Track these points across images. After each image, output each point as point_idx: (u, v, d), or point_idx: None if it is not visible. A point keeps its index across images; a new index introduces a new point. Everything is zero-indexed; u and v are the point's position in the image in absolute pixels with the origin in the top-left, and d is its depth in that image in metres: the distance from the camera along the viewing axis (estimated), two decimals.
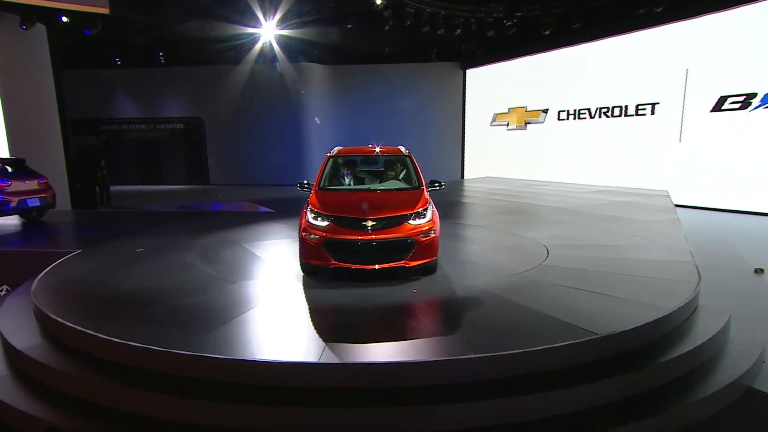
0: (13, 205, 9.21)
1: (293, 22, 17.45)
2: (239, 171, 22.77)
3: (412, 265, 5.26)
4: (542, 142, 18.30)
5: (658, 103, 14.52)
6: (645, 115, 14.89)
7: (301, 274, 5.69)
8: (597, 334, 3.89)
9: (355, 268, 5.21)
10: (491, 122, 20.45)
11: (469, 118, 21.71)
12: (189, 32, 16.94)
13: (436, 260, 5.47)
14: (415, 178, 6.14)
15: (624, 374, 3.76)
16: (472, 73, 21.37)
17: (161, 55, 21.64)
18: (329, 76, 22.57)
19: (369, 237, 5.12)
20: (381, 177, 6.56)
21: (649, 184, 14.58)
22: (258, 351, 3.75)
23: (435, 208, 5.67)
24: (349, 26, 18.13)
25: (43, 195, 9.90)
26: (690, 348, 4.19)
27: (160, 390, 3.55)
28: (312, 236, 5.28)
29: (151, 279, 5.68)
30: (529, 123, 18.82)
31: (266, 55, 19.90)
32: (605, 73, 15.92)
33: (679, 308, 4.54)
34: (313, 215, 5.41)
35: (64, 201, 13.85)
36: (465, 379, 3.57)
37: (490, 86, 20.44)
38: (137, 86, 22.72)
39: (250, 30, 17.60)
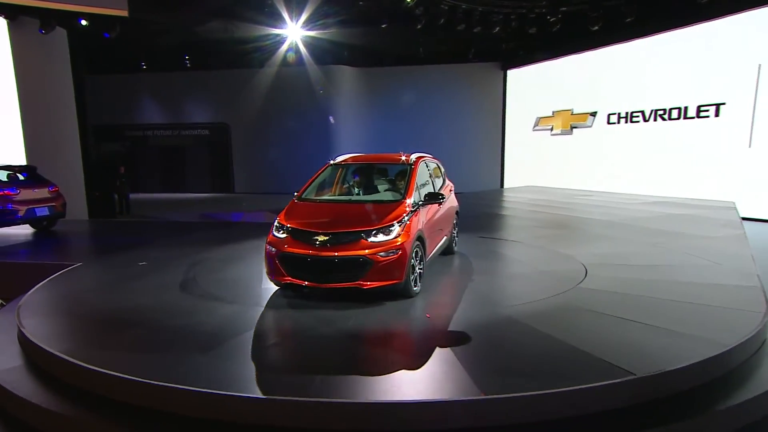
0: (21, 214, 9.39)
1: (321, 22, 17.47)
2: (265, 179, 22.95)
3: (367, 286, 4.93)
4: (590, 148, 17.67)
5: (723, 104, 13.69)
6: (708, 117, 14.06)
7: (299, 293, 5.45)
8: (634, 375, 3.44)
9: (312, 286, 5.07)
10: (534, 127, 19.95)
11: (510, 123, 21.27)
12: (213, 34, 17.20)
13: (402, 283, 5.06)
14: (404, 190, 5.73)
15: (670, 424, 3.33)
16: (513, 74, 20.94)
17: (187, 59, 22.12)
18: (360, 79, 22.55)
19: (319, 253, 4.95)
20: (385, 187, 6.28)
21: (712, 195, 13.72)
22: (235, 384, 3.49)
23: (414, 224, 5.30)
24: (384, 26, 18.02)
25: (53, 204, 10.07)
26: (755, 394, 3.70)
27: (134, 426, 3.37)
28: (272, 249, 5.24)
29: (144, 297, 5.57)
30: (575, 127, 18.22)
31: (293, 58, 20.00)
32: (661, 72, 15.18)
33: (741, 343, 4.06)
34: (276, 226, 5.40)
35: (81, 210, 14.18)
36: (471, 423, 3.22)
37: (533, 88, 19.98)
38: (162, 91, 23.32)
39: (276, 31, 17.73)
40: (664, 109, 15.20)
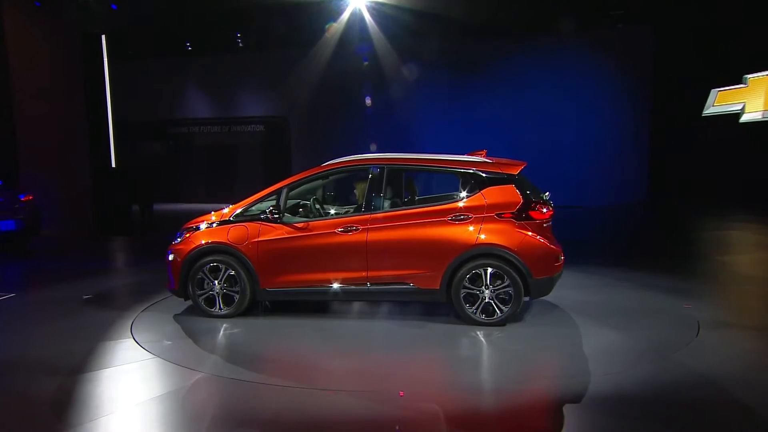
0: None
1: None
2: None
3: (167, 287, 6.61)
4: None
5: None
6: None
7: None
8: None
9: None
10: (708, 107, 17.91)
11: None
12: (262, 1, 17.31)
13: (176, 291, 6.29)
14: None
15: None
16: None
17: (239, 37, 22.69)
18: (451, 55, 21.83)
19: None
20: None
21: None
22: None
23: (210, 235, 6.25)
24: None
25: (21, 217, 10.28)
26: None
27: None
28: None
29: (45, 344, 5.54)
30: None
31: (362, 35, 19.84)
32: None
33: None
34: None
35: (87, 224, 14.64)
36: None
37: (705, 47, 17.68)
38: (209, 78, 24.17)
39: None
40: None
